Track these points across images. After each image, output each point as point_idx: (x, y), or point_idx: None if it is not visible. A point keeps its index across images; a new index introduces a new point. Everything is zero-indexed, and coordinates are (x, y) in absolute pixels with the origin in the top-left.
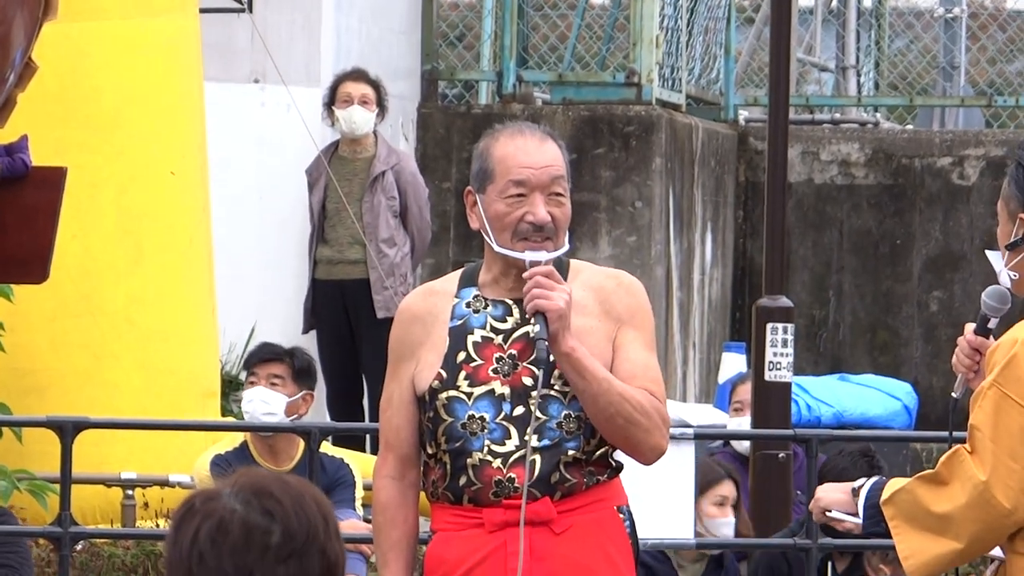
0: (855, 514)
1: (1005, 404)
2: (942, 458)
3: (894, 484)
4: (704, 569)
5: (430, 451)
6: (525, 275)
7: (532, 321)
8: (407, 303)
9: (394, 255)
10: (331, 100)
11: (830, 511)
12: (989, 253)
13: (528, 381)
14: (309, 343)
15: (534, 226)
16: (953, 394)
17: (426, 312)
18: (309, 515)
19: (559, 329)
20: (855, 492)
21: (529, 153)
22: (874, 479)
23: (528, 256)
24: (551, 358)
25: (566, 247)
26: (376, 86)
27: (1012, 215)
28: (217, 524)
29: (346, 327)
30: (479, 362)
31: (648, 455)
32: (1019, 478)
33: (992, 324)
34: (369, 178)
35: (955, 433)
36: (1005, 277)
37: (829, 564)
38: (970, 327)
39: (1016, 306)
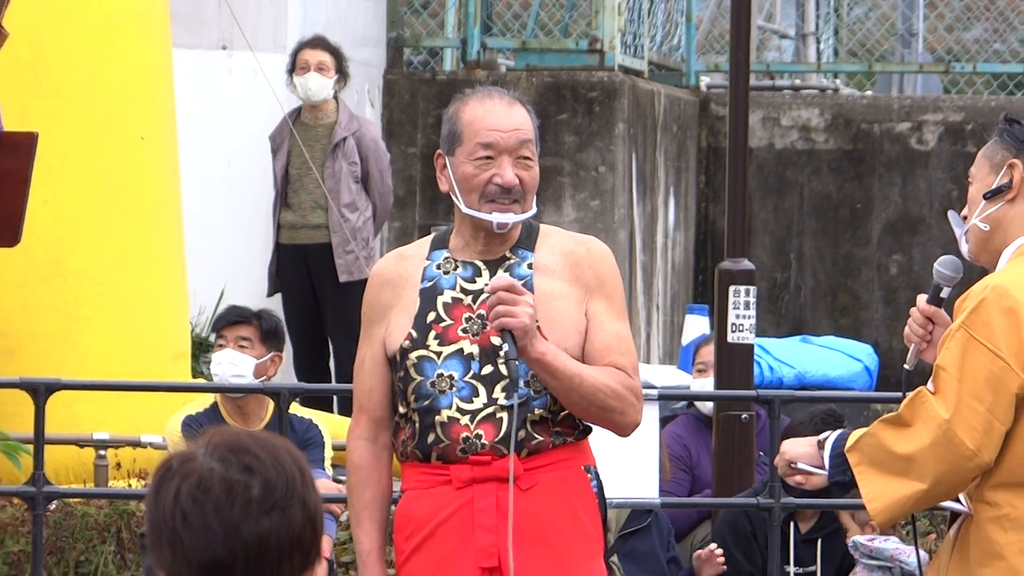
0: (821, 466)
1: (972, 346)
2: (905, 400)
3: (858, 432)
4: (630, 512)
5: (401, 411)
6: (487, 289)
7: (501, 339)
8: (378, 268)
9: (356, 219)
10: (292, 67)
11: (795, 464)
12: (950, 214)
13: (496, 340)
14: (276, 306)
15: (501, 188)
16: (906, 366)
17: (397, 276)
18: (286, 467)
19: (527, 343)
20: (820, 444)
21: (497, 116)
22: (840, 431)
23: (495, 218)
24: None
25: (533, 210)
26: (335, 53)
27: (998, 166)
28: (197, 483)
29: (310, 290)
30: (449, 322)
31: (624, 432)
32: (983, 419)
33: (945, 294)
34: (331, 144)
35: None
36: (963, 244)
37: (792, 524)
38: (923, 297)
39: (970, 273)
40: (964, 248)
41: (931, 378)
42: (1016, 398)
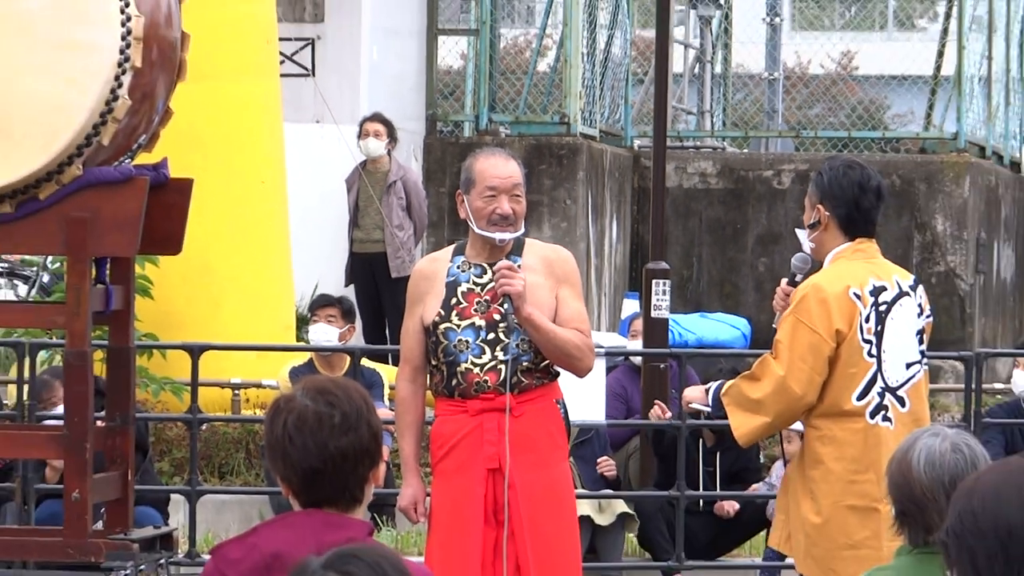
0: (706, 404)
1: (799, 325)
2: (756, 362)
3: (729, 383)
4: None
5: (433, 363)
6: (493, 269)
7: (502, 300)
8: (418, 267)
9: (403, 236)
10: (359, 134)
11: (691, 403)
12: (798, 231)
13: (496, 317)
14: (350, 294)
15: (501, 216)
16: (774, 325)
17: (431, 272)
18: (356, 402)
19: (520, 304)
20: (707, 391)
21: (498, 168)
22: (719, 382)
23: (497, 236)
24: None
25: (523, 230)
26: (387, 124)
27: (812, 205)
28: (297, 416)
29: (372, 284)
30: (465, 304)
31: (582, 372)
32: (807, 374)
33: (798, 279)
34: (386, 185)
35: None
36: (807, 246)
37: (700, 441)
38: (784, 280)
39: (815, 266)
40: (808, 250)
41: (772, 347)
42: (827, 359)
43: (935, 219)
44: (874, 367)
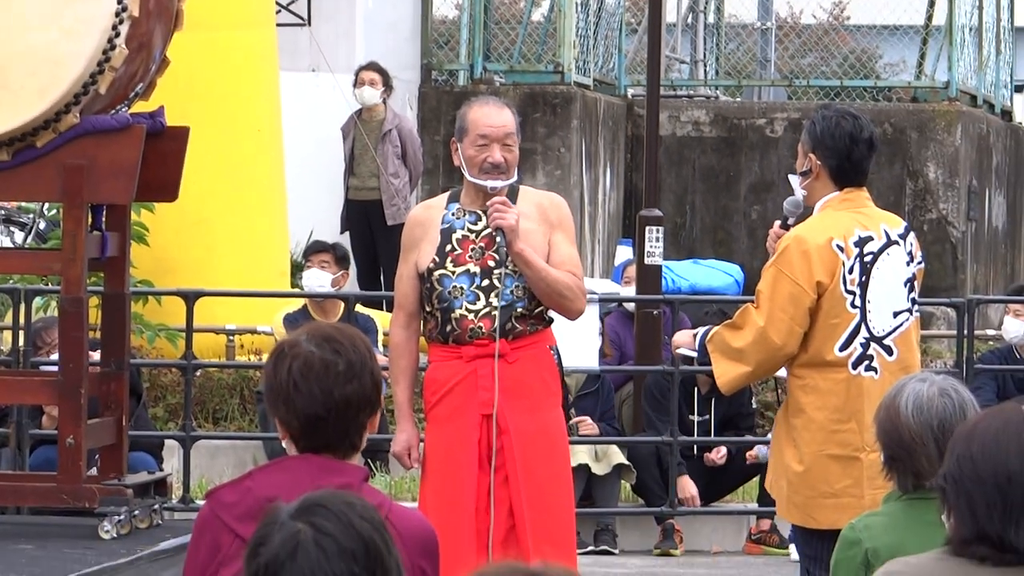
0: (694, 349)
1: (780, 276)
2: (738, 311)
3: (715, 330)
4: (585, 377)
5: (427, 309)
6: (488, 203)
7: (495, 233)
8: (413, 213)
9: (398, 183)
10: (355, 83)
11: (680, 348)
12: (790, 176)
13: (491, 263)
14: (345, 240)
15: (493, 165)
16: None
17: (425, 219)
18: (360, 350)
19: (512, 238)
20: (695, 337)
21: (490, 116)
22: (706, 328)
23: (489, 183)
24: (508, 256)
25: (514, 178)
26: (382, 72)
27: (804, 153)
28: (303, 362)
29: (367, 231)
30: (459, 251)
31: (574, 315)
32: (787, 325)
33: (790, 222)
34: (381, 133)
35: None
36: (799, 192)
37: (695, 387)
38: (777, 223)
39: (807, 210)
40: (800, 196)
41: (754, 298)
42: (808, 310)
43: (927, 167)
44: (857, 318)
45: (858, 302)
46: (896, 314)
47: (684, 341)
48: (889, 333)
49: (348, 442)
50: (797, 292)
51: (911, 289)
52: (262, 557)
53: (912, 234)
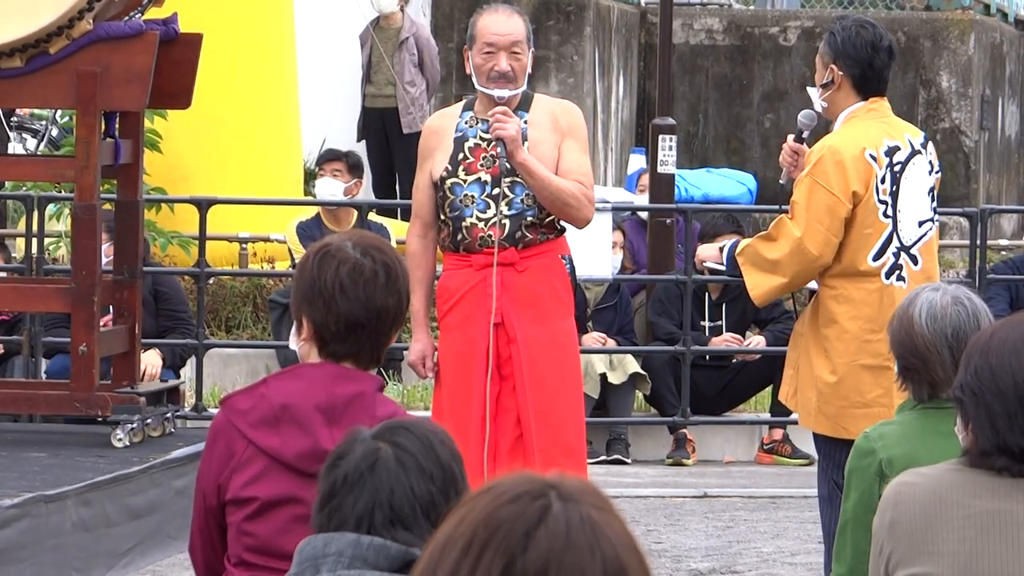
0: (720, 263)
1: (815, 187)
2: (772, 223)
3: (744, 242)
4: (604, 290)
5: (441, 218)
6: (490, 113)
7: (496, 143)
8: (429, 122)
9: (415, 92)
10: None
11: (705, 261)
12: (809, 89)
13: (502, 172)
14: (361, 149)
15: (500, 73)
16: (780, 181)
17: (440, 127)
18: (402, 265)
19: (513, 148)
20: (721, 249)
21: (498, 24)
22: (733, 240)
23: (495, 92)
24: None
25: (523, 88)
26: None
27: (825, 65)
28: (352, 267)
29: (384, 138)
30: (471, 159)
31: (580, 223)
32: (823, 235)
33: (805, 135)
34: (398, 41)
35: (783, 206)
36: (818, 105)
37: (706, 294)
38: (791, 137)
39: (822, 123)
40: (820, 109)
41: (789, 208)
42: (843, 221)
43: (940, 76)
44: (889, 227)
45: (890, 212)
46: (921, 223)
47: (711, 255)
48: (916, 242)
49: (374, 353)
50: (833, 202)
51: (933, 199)
52: (340, 469)
53: (931, 144)
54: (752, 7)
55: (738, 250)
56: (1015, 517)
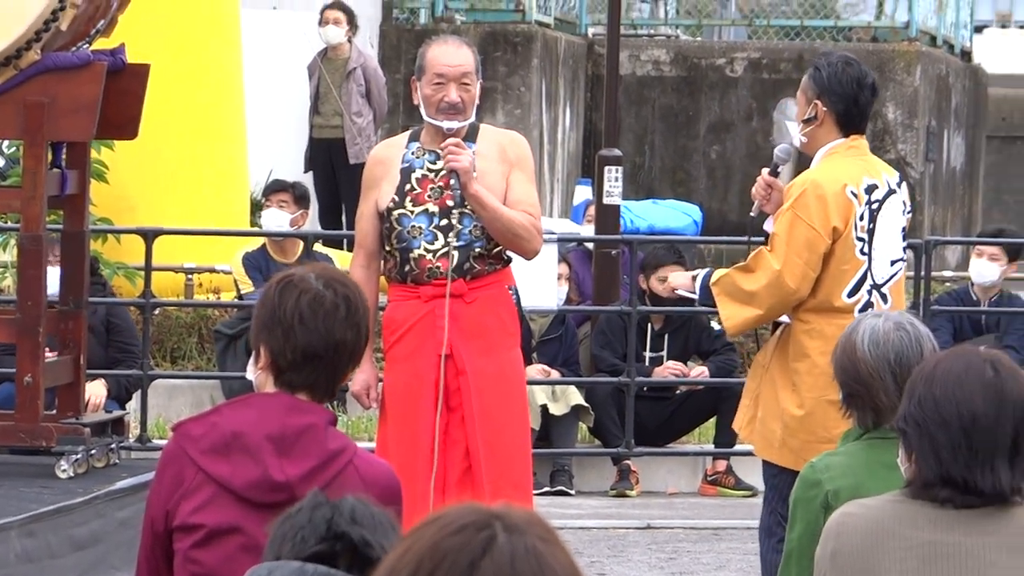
0: (693, 291)
1: (797, 221)
2: (751, 254)
3: (719, 272)
4: (550, 322)
5: (387, 248)
6: (442, 145)
7: (449, 175)
8: (374, 152)
9: (362, 122)
10: (320, 21)
11: (677, 289)
12: (788, 123)
13: (450, 203)
14: (308, 179)
15: (449, 104)
16: (751, 213)
17: (386, 157)
18: (361, 298)
19: (466, 180)
20: (694, 278)
21: (448, 55)
22: (706, 270)
23: (445, 124)
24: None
25: (472, 119)
26: (347, 11)
27: (809, 100)
28: (313, 297)
29: (330, 168)
30: (419, 190)
31: (529, 254)
32: (801, 269)
33: (780, 170)
34: (346, 72)
35: (752, 238)
36: (797, 139)
37: (649, 325)
38: (766, 170)
39: (799, 158)
40: (799, 143)
41: (768, 240)
42: (822, 255)
43: (886, 107)
44: (865, 265)
45: (866, 249)
46: (893, 262)
47: (683, 283)
48: (887, 281)
49: (329, 386)
50: (813, 237)
51: (904, 238)
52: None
53: (904, 183)
54: (699, 39)
55: (713, 279)
56: (957, 548)
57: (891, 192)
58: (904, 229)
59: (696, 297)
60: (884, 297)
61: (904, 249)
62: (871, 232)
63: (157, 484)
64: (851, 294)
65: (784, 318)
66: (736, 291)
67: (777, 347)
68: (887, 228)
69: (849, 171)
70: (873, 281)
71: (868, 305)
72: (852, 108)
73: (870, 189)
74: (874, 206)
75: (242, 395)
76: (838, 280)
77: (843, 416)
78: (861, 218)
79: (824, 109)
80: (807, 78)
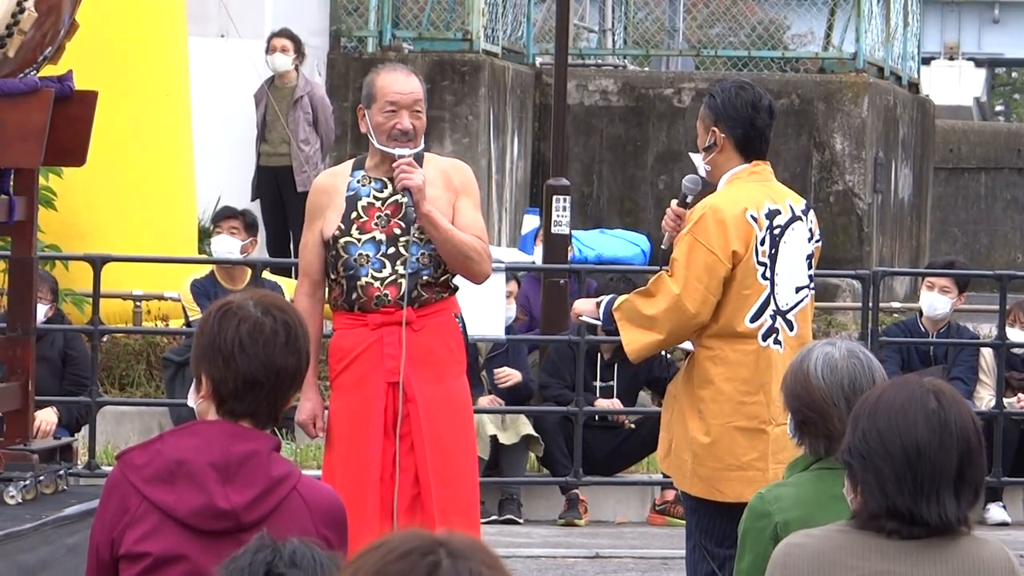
0: (597, 317)
1: (696, 245)
2: (652, 279)
3: (621, 298)
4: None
5: (332, 277)
6: (394, 164)
7: (401, 194)
8: (317, 181)
9: (309, 150)
10: (267, 49)
11: (581, 315)
12: (692, 155)
13: (397, 231)
14: (256, 208)
15: (401, 132)
16: (662, 245)
17: (330, 186)
18: (301, 324)
19: (419, 199)
20: (598, 304)
21: (399, 83)
22: (610, 296)
23: (397, 151)
24: (416, 218)
25: (422, 146)
26: (294, 39)
27: (707, 128)
28: (253, 325)
29: (278, 196)
30: (365, 219)
31: (480, 278)
32: (701, 294)
33: (689, 200)
34: (293, 100)
35: (664, 268)
36: (702, 169)
37: (599, 354)
38: (675, 201)
39: (708, 188)
40: (704, 173)
41: (669, 265)
42: (722, 280)
43: (834, 138)
44: (767, 290)
45: (768, 274)
46: (798, 289)
47: (586, 309)
48: (792, 308)
49: (272, 412)
50: (712, 261)
51: (810, 266)
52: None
53: (812, 211)
54: (647, 69)
55: (616, 305)
56: None
57: (796, 218)
58: (811, 256)
59: (599, 323)
60: (790, 324)
61: (810, 277)
62: (773, 257)
63: (102, 512)
64: (754, 319)
65: (688, 345)
66: (637, 316)
67: (684, 376)
68: (791, 254)
69: (750, 195)
70: (776, 307)
71: (772, 331)
72: (750, 131)
73: (772, 214)
74: (776, 231)
75: (187, 423)
76: (740, 305)
77: (795, 444)
78: (762, 243)
79: (722, 135)
80: (704, 107)
